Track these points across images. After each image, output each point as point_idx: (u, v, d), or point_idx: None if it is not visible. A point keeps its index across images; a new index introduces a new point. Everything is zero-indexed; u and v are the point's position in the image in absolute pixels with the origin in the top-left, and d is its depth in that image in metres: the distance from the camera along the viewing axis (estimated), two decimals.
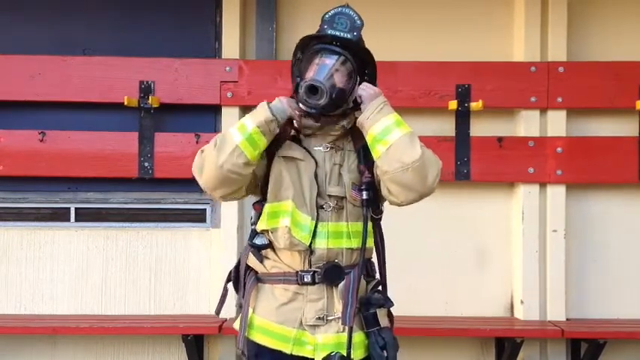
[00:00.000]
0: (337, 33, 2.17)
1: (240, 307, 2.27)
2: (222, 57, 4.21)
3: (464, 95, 4.11)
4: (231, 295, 2.34)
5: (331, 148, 2.22)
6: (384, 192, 2.17)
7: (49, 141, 4.10)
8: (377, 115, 2.12)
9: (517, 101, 4.15)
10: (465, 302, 4.20)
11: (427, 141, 3.93)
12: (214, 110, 4.22)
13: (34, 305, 4.19)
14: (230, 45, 4.19)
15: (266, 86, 4.05)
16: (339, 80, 2.16)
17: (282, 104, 2.17)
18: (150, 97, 4.08)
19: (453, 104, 4.09)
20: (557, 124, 4.15)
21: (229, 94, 4.13)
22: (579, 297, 4.19)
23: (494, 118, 4.19)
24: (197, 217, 4.27)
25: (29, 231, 4.21)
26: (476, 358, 4.21)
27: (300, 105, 2.14)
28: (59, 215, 4.26)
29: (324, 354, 2.11)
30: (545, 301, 4.12)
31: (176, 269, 4.21)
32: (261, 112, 2.13)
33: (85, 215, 4.26)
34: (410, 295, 4.12)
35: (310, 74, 2.16)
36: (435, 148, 3.93)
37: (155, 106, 4.10)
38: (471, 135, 4.12)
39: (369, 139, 2.14)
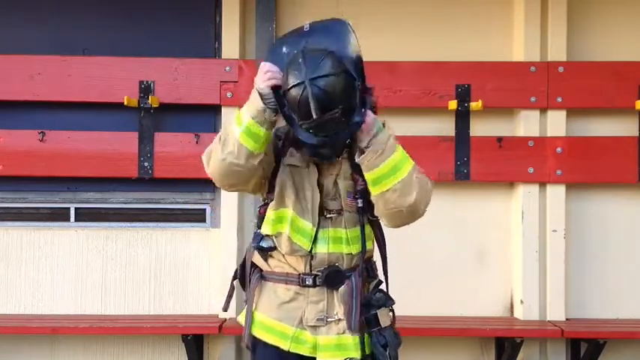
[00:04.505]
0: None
1: (246, 302, 2.30)
2: (222, 57, 4.21)
3: (464, 95, 4.11)
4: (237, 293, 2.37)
5: None
6: (375, 211, 2.18)
7: (49, 141, 4.10)
8: (376, 160, 2.07)
9: (517, 101, 4.15)
10: (464, 302, 4.20)
11: (427, 141, 4.05)
12: (214, 110, 4.21)
13: (34, 305, 4.19)
14: (230, 45, 4.18)
15: None
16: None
17: (262, 84, 2.05)
18: (150, 96, 4.09)
19: (452, 104, 4.09)
20: (557, 124, 4.15)
21: (229, 94, 4.13)
22: (579, 297, 4.19)
23: (494, 118, 4.19)
24: (197, 217, 4.27)
25: (29, 231, 4.21)
26: (476, 358, 4.21)
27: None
28: (59, 215, 4.26)
29: (325, 354, 2.14)
30: (544, 300, 4.12)
31: (176, 269, 4.21)
32: (254, 101, 2.07)
33: (84, 215, 4.26)
34: (410, 294, 4.11)
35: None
36: (435, 148, 4.06)
37: (155, 106, 4.10)
38: (470, 135, 4.12)
39: (366, 177, 2.11)
